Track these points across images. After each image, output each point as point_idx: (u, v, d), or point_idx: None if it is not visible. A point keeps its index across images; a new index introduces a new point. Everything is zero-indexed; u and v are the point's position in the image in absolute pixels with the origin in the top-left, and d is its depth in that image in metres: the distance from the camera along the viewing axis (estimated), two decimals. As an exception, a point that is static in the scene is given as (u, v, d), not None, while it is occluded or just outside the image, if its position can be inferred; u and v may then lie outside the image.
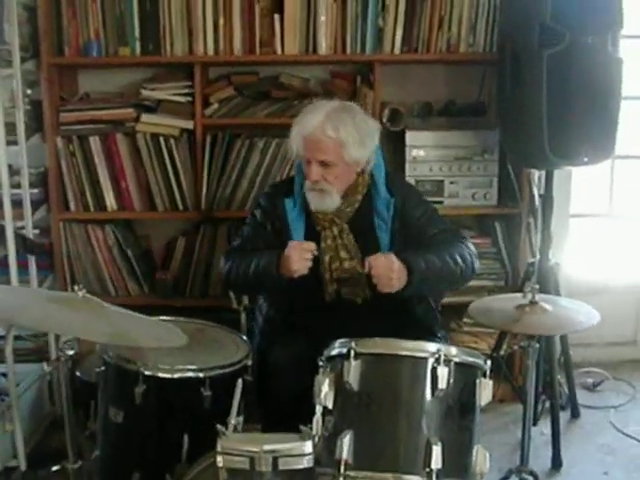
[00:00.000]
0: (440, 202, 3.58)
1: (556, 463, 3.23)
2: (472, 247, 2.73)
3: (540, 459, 3.21)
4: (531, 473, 2.50)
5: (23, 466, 2.99)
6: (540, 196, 3.44)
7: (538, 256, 3.42)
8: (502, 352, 3.48)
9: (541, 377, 3.41)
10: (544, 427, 3.40)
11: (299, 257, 2.52)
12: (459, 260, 2.60)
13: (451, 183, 3.61)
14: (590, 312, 2.38)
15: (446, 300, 3.36)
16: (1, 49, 3.14)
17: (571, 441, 3.43)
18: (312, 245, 2.56)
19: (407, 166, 3.58)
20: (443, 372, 1.82)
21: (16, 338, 3.21)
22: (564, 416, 3.59)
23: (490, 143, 3.57)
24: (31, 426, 3.25)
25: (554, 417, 3.29)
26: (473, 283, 3.57)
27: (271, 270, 2.58)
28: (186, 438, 2.29)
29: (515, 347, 3.29)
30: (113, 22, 3.46)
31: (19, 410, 3.00)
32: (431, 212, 2.81)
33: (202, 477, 2.04)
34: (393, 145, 3.64)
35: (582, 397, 3.77)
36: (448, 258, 2.58)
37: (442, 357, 1.84)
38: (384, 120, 3.54)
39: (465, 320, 3.63)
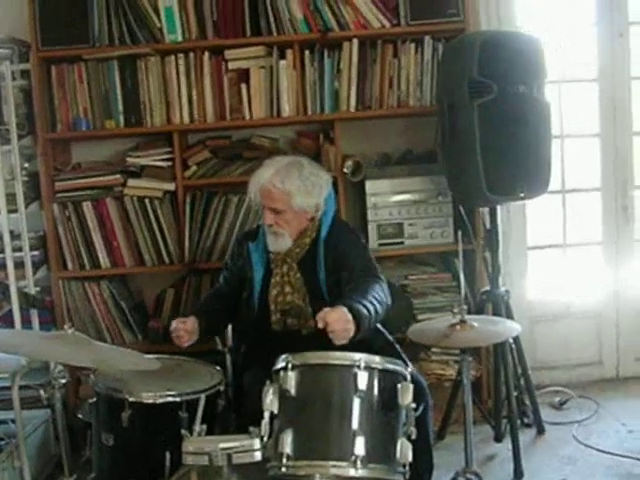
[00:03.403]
0: (401, 242, 3.95)
1: (517, 474, 3.48)
2: (385, 286, 3.02)
3: (504, 471, 3.49)
4: (475, 474, 2.77)
5: (31, 501, 3.31)
6: (487, 231, 3.75)
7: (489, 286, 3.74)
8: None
9: (502, 398, 3.69)
10: (509, 443, 3.59)
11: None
12: (383, 298, 2.90)
13: (410, 225, 3.96)
14: (511, 326, 2.71)
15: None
16: (0, 129, 3.54)
17: (534, 454, 3.68)
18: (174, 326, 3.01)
19: (368, 212, 3.92)
20: (363, 376, 2.17)
21: (24, 388, 3.54)
22: (530, 433, 3.87)
23: (443, 187, 3.90)
24: (38, 466, 3.55)
25: (513, 431, 3.55)
26: (439, 315, 3.93)
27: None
28: (168, 455, 2.57)
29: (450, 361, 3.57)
30: (99, 99, 3.89)
31: (26, 449, 3.32)
32: (361, 250, 3.13)
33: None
34: (356, 194, 4.01)
35: (549, 415, 4.03)
36: (376, 299, 2.84)
37: (362, 364, 2.19)
38: (346, 171, 3.89)
39: (433, 350, 3.94)
